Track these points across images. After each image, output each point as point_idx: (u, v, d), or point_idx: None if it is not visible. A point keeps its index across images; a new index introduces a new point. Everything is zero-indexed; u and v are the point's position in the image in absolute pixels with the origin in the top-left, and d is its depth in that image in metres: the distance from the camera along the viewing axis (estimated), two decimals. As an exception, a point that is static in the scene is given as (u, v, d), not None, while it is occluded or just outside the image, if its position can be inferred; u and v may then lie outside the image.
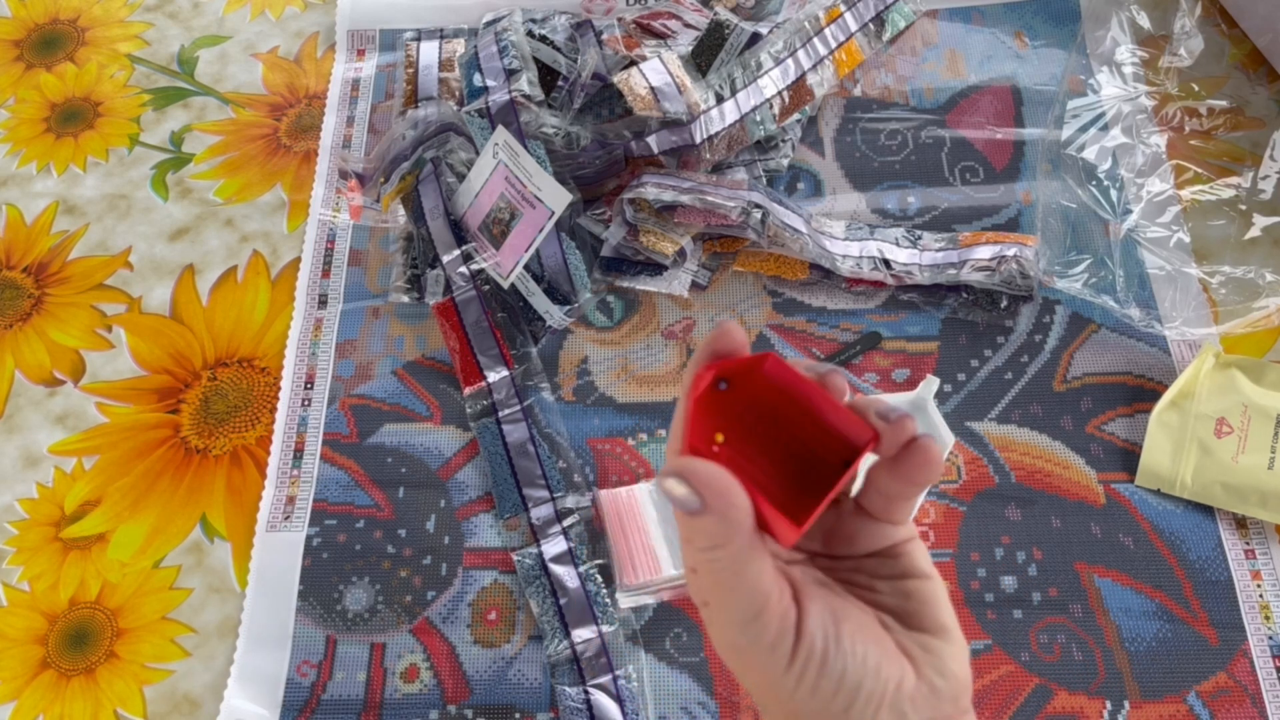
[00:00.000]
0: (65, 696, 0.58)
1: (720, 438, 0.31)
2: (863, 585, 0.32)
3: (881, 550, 0.32)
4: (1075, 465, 0.61)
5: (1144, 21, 0.75)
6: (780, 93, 0.70)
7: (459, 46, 0.77)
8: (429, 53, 0.77)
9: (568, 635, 0.57)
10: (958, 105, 0.75)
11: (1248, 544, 0.58)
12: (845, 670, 0.29)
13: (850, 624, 0.30)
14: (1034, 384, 0.64)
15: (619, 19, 0.76)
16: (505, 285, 0.67)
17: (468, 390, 0.65)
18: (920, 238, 0.68)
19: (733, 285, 0.69)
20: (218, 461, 0.65)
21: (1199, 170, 0.70)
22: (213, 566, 0.61)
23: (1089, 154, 0.70)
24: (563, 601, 0.57)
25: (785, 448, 0.31)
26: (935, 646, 0.31)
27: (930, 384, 0.62)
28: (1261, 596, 0.56)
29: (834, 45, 0.74)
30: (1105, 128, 0.72)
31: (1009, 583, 0.58)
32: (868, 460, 0.31)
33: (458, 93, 0.74)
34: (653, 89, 0.67)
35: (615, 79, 0.68)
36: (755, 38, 0.71)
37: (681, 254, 0.68)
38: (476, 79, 0.70)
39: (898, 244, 0.67)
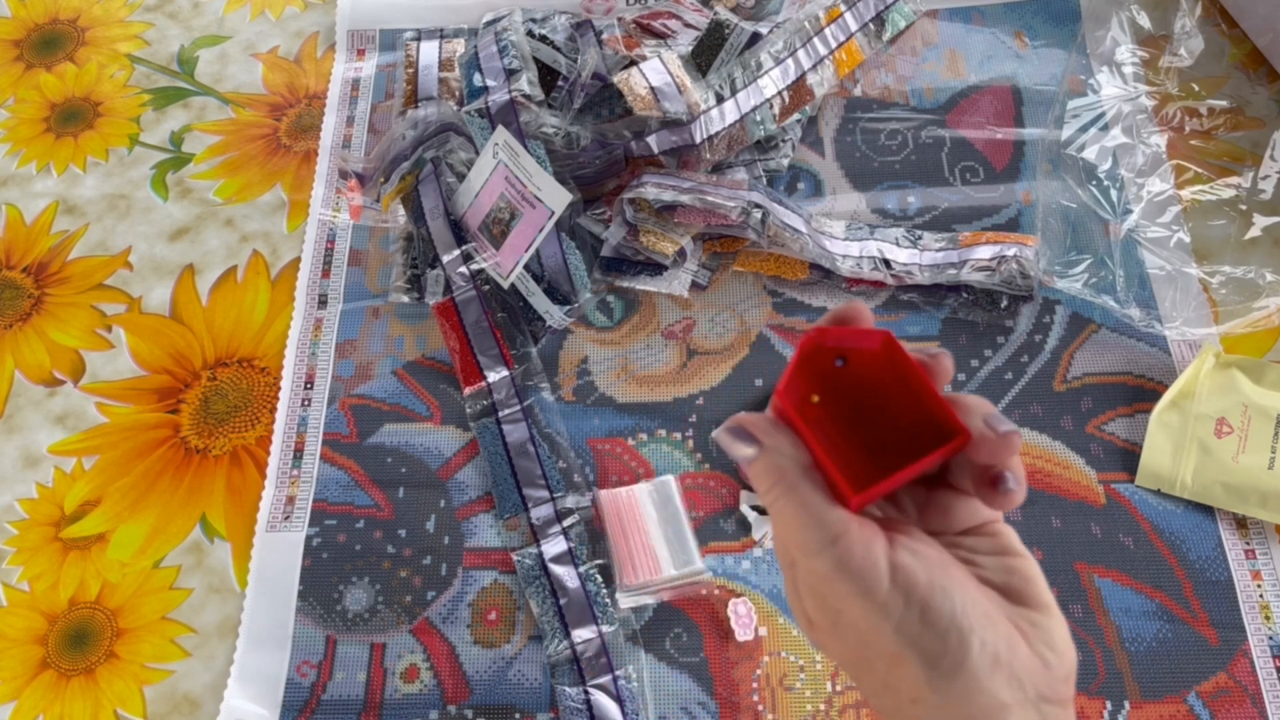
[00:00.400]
0: (65, 697, 0.58)
1: (815, 398, 0.32)
2: (965, 560, 0.31)
3: (975, 528, 0.32)
4: (1075, 465, 0.61)
5: (1144, 21, 0.75)
6: (780, 93, 0.70)
7: (459, 46, 0.77)
8: (429, 53, 0.77)
9: (568, 635, 0.57)
10: (958, 105, 0.75)
11: (1248, 544, 0.58)
12: (954, 615, 0.28)
13: (957, 571, 0.29)
14: (1034, 384, 0.64)
15: (619, 19, 0.76)
16: (505, 285, 0.67)
17: (468, 390, 0.65)
18: (920, 238, 0.68)
19: (733, 285, 0.69)
20: (217, 461, 0.65)
21: (1199, 170, 0.70)
22: (212, 566, 0.61)
23: (1089, 154, 0.70)
24: (563, 601, 0.57)
25: (879, 425, 0.31)
26: (1042, 622, 0.30)
27: (930, 384, 0.62)
28: (1262, 596, 0.56)
29: (834, 45, 0.74)
30: (1105, 128, 0.72)
31: (1009, 583, 0.58)
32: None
33: (458, 93, 0.74)
34: (653, 89, 0.67)
35: (615, 79, 0.68)
36: (755, 37, 0.71)
37: (681, 254, 0.68)
38: (476, 79, 0.70)
39: (898, 244, 0.67)
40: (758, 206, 0.65)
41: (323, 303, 0.70)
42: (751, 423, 0.31)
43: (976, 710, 0.28)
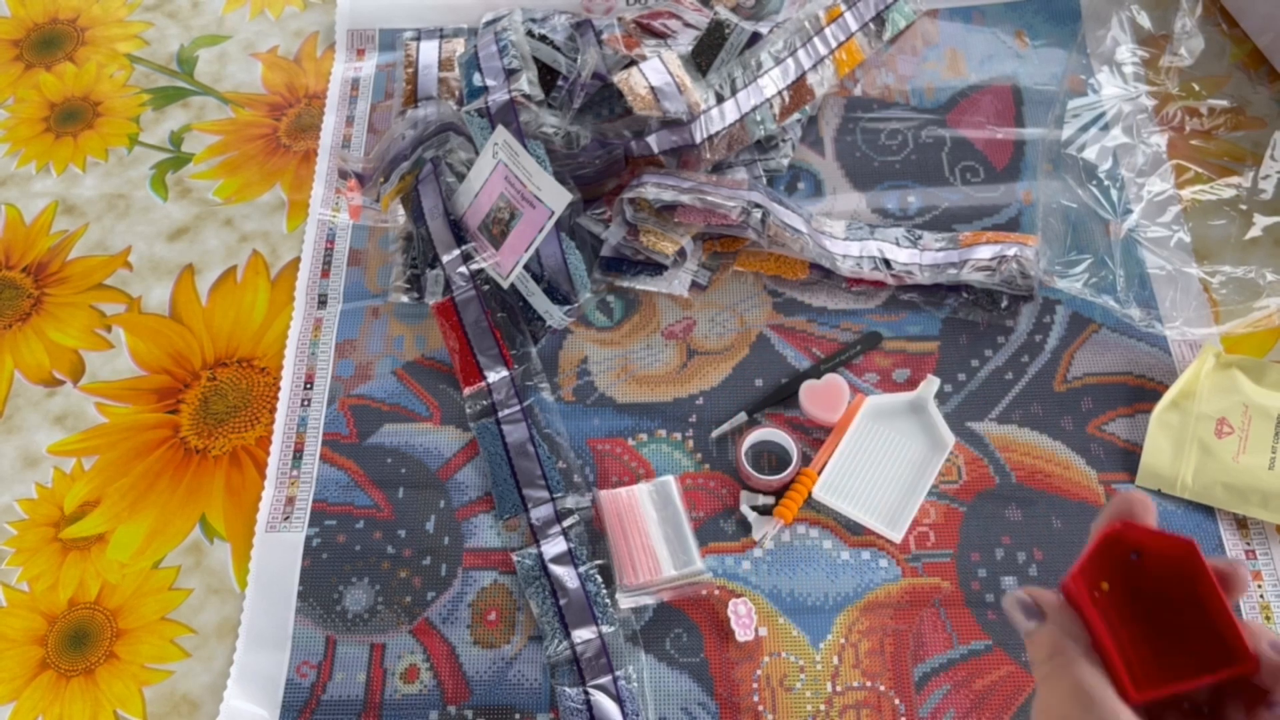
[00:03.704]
0: (64, 697, 0.58)
1: (1105, 586, 0.33)
2: None
3: None
4: (1076, 465, 0.61)
5: (1145, 21, 0.75)
6: (780, 92, 0.70)
7: (459, 46, 0.77)
8: (429, 52, 0.77)
9: (568, 636, 0.56)
10: (958, 105, 0.75)
11: (1248, 544, 0.58)
12: None
13: None
14: (1034, 384, 0.64)
15: (619, 18, 0.76)
16: (505, 285, 0.67)
17: (467, 390, 0.65)
18: (920, 237, 0.68)
19: (733, 285, 0.69)
20: (217, 462, 0.65)
21: (1199, 170, 0.70)
22: (212, 567, 0.61)
23: (1089, 154, 0.70)
24: (563, 602, 0.57)
25: (1164, 623, 0.32)
26: None
27: (931, 384, 0.62)
28: (1262, 597, 0.56)
29: (834, 45, 0.74)
30: (1106, 127, 0.72)
31: (1010, 583, 0.58)
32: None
33: (457, 92, 0.74)
34: (653, 88, 0.67)
35: (615, 78, 0.68)
36: (755, 37, 0.71)
37: (681, 254, 0.68)
38: (476, 78, 0.70)
39: (898, 244, 0.67)
40: (758, 206, 0.65)
41: (322, 302, 0.70)
42: (1041, 596, 0.33)
43: None
